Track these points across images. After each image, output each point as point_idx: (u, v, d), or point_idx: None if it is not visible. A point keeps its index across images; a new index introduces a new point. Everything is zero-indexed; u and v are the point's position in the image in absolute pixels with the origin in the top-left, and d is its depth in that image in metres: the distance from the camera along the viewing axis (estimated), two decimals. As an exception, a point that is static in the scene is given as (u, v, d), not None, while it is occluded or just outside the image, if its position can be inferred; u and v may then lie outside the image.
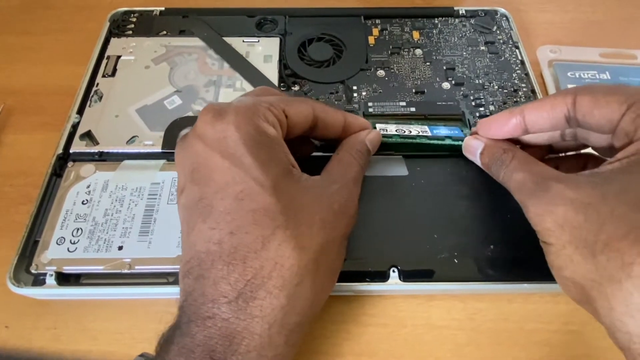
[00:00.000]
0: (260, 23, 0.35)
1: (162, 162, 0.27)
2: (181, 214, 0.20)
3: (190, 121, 0.29)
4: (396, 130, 0.28)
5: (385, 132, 0.27)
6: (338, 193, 0.20)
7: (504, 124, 0.22)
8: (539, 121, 0.22)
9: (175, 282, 0.23)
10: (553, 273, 0.19)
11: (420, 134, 0.27)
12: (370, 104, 0.30)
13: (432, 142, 0.27)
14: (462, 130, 0.28)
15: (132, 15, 0.36)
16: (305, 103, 0.22)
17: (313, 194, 0.19)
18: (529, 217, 0.19)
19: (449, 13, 0.36)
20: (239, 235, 0.17)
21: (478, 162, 0.24)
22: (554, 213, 0.18)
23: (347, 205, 0.20)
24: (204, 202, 0.18)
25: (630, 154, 0.18)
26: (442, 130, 0.28)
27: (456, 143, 0.27)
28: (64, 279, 0.23)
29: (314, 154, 0.28)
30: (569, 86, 0.33)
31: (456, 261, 0.24)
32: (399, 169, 0.27)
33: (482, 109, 0.30)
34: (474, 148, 0.24)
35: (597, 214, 0.17)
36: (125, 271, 0.23)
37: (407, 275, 0.23)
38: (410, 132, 0.27)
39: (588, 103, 0.20)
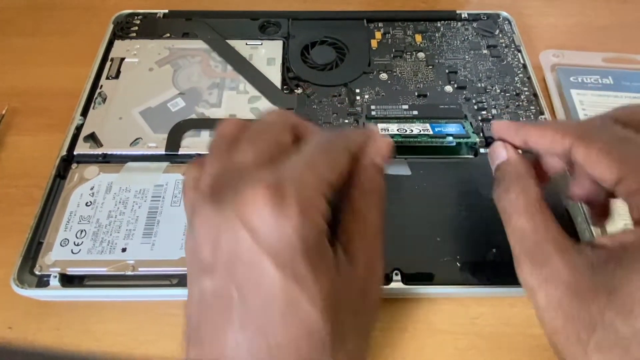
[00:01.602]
0: (264, 26, 0.35)
1: (165, 164, 0.27)
2: (197, 294, 0.16)
3: (193, 124, 0.29)
4: (398, 130, 0.28)
5: (387, 132, 0.28)
6: (371, 286, 0.18)
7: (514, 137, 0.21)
8: (540, 147, 0.21)
9: (178, 284, 0.24)
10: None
11: (422, 132, 0.27)
12: (372, 107, 0.30)
13: (434, 140, 0.27)
14: (464, 127, 0.28)
15: (136, 17, 0.36)
16: (343, 155, 0.18)
17: (352, 294, 0.17)
18: (520, 276, 0.18)
19: (452, 16, 0.36)
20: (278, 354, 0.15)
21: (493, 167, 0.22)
22: (549, 294, 0.17)
23: (378, 299, 0.18)
24: (240, 307, 0.15)
25: (630, 242, 0.17)
26: (444, 128, 0.28)
27: (457, 142, 0.27)
28: (67, 281, 0.24)
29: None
30: (572, 92, 0.33)
31: (458, 264, 0.24)
32: (401, 168, 0.27)
33: (484, 112, 0.30)
34: (495, 155, 0.21)
35: (589, 315, 0.16)
36: (129, 273, 0.23)
37: (409, 278, 0.23)
38: (412, 130, 0.27)
39: (582, 156, 0.19)
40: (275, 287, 0.15)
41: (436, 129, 0.28)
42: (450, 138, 0.27)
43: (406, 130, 0.28)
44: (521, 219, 0.18)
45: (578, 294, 0.16)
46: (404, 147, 0.27)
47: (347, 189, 0.19)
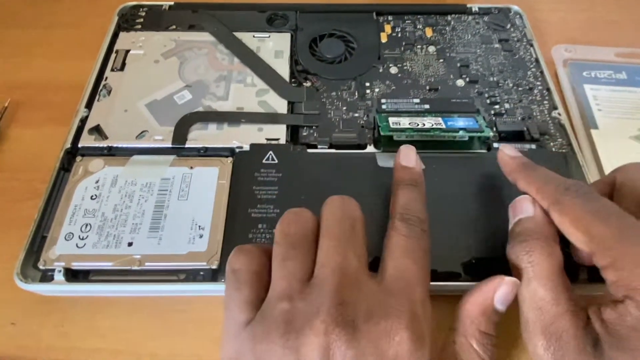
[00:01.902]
0: (271, 18, 0.35)
1: (172, 157, 0.27)
2: None
3: (200, 117, 0.28)
4: (409, 124, 0.27)
5: (397, 126, 0.27)
6: None
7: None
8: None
9: (186, 280, 0.23)
10: None
11: (434, 126, 0.27)
12: (383, 100, 0.30)
13: (446, 134, 0.27)
14: (477, 121, 0.27)
15: (141, 9, 0.35)
16: None
17: None
18: (531, 348, 0.18)
19: (462, 10, 0.36)
20: None
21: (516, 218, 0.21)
22: None
23: None
24: None
25: (624, 323, 0.16)
26: (457, 122, 0.27)
27: (471, 134, 0.27)
28: (72, 275, 0.23)
29: (325, 150, 0.28)
30: (585, 87, 0.33)
31: (473, 260, 0.23)
32: None
33: (497, 106, 0.30)
34: (519, 208, 0.20)
35: None
36: (135, 268, 0.23)
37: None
38: (424, 124, 0.27)
39: (557, 223, 0.19)
40: None
41: (449, 123, 0.27)
42: (463, 132, 0.27)
43: (418, 124, 0.27)
44: (543, 288, 0.17)
45: None
46: (415, 142, 0.27)
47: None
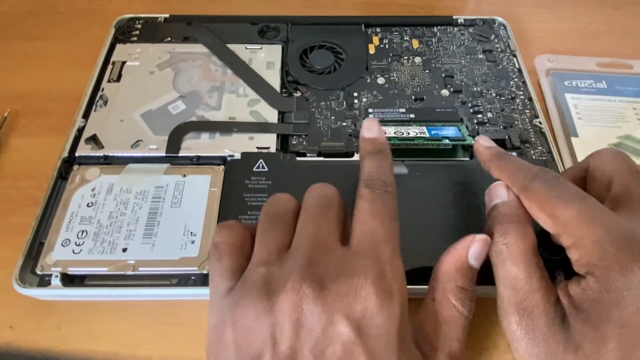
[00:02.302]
0: (263, 30, 0.36)
1: (166, 165, 0.28)
2: None
3: (193, 126, 0.29)
4: (395, 133, 0.28)
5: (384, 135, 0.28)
6: None
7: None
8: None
9: (178, 284, 0.24)
10: None
11: (419, 135, 0.28)
12: (370, 110, 0.31)
13: (430, 142, 0.28)
14: (460, 130, 0.29)
15: (137, 21, 0.36)
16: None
17: None
18: (505, 324, 0.18)
19: (448, 22, 0.37)
20: None
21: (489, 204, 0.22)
22: (529, 347, 0.17)
23: None
24: None
25: (587, 297, 0.17)
26: (440, 131, 0.28)
27: (454, 144, 0.28)
28: (68, 280, 0.24)
29: (313, 158, 0.29)
30: (567, 96, 0.34)
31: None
32: (398, 167, 0.27)
33: (480, 115, 0.31)
34: (494, 194, 0.21)
35: None
36: (129, 273, 0.24)
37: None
38: (409, 133, 0.28)
39: (527, 207, 0.20)
40: None
41: (432, 132, 0.28)
42: (447, 141, 0.28)
43: (403, 133, 0.28)
44: (516, 267, 0.18)
45: (551, 349, 0.17)
46: (400, 150, 0.28)
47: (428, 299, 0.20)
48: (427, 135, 0.28)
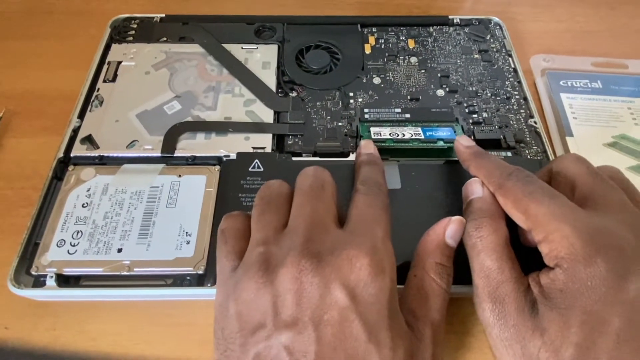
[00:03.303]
0: (259, 30, 0.36)
1: (161, 166, 0.28)
2: (261, 348, 0.17)
3: (189, 126, 0.29)
4: (390, 135, 0.28)
5: (379, 137, 0.28)
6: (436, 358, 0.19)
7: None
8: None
9: (173, 284, 0.24)
10: None
11: (414, 136, 0.28)
12: (366, 110, 0.31)
13: (424, 145, 0.28)
14: (454, 131, 0.29)
15: (133, 21, 0.36)
16: None
17: None
18: (479, 312, 0.20)
19: (444, 22, 0.37)
20: None
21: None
22: (501, 333, 0.19)
23: None
24: None
25: (555, 286, 0.18)
26: (435, 132, 0.28)
27: (448, 145, 0.28)
28: (63, 281, 0.24)
29: (309, 158, 0.29)
30: (562, 95, 0.34)
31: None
32: (392, 181, 0.27)
33: (475, 115, 0.31)
34: (470, 190, 0.23)
35: (529, 355, 0.18)
36: (125, 273, 0.24)
37: (400, 280, 0.24)
38: (404, 135, 0.28)
39: (502, 205, 0.21)
40: (358, 348, 0.16)
41: (427, 134, 0.28)
42: (441, 143, 0.28)
43: (398, 135, 0.28)
44: (489, 259, 0.20)
45: (521, 333, 0.18)
46: (396, 150, 0.28)
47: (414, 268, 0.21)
48: (422, 136, 0.28)
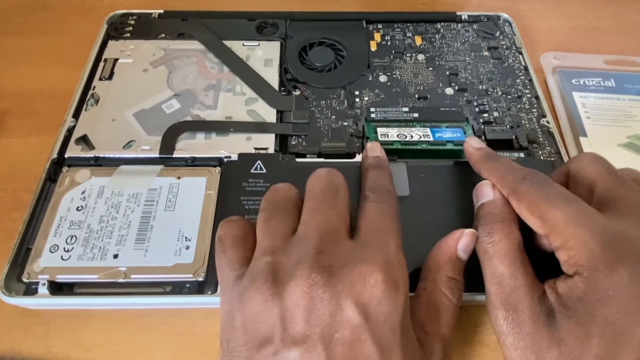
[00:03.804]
0: (261, 27, 0.35)
1: (159, 167, 0.27)
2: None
3: (188, 126, 0.28)
4: (398, 136, 0.27)
5: (386, 139, 0.27)
6: None
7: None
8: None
9: (172, 292, 0.23)
10: None
11: (422, 138, 0.27)
12: (372, 109, 0.30)
13: (433, 147, 0.27)
14: (464, 133, 0.28)
15: (131, 17, 0.35)
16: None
17: None
18: (493, 319, 0.19)
19: (452, 18, 0.36)
20: None
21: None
22: (515, 341, 0.18)
23: None
24: None
25: (573, 295, 0.17)
26: (445, 134, 0.27)
27: (458, 148, 0.27)
28: (57, 288, 0.23)
29: (313, 159, 0.28)
30: (574, 94, 0.33)
31: None
32: (400, 186, 0.26)
33: (486, 115, 0.30)
34: (481, 193, 0.22)
35: None
36: (121, 280, 0.22)
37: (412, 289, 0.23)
38: (412, 137, 0.27)
39: (516, 209, 0.20)
40: None
41: (437, 135, 0.27)
42: (451, 145, 0.27)
43: (406, 137, 0.27)
44: (501, 265, 0.19)
45: (536, 343, 0.17)
46: (404, 150, 0.27)
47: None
48: (431, 138, 0.27)
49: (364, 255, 0.17)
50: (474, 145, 0.24)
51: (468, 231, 0.20)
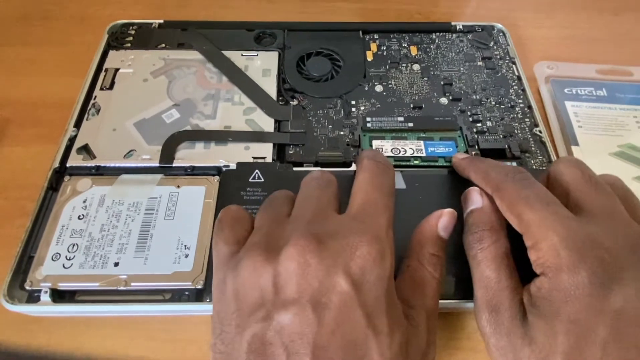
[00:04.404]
0: (259, 37, 0.35)
1: (159, 176, 0.27)
2: (260, 330, 0.16)
3: (188, 135, 0.29)
4: (392, 151, 0.28)
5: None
6: (429, 347, 0.19)
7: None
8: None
9: (171, 300, 0.23)
10: None
11: (415, 153, 0.28)
12: (368, 118, 0.30)
13: (425, 164, 0.28)
14: (456, 146, 0.28)
15: (131, 27, 0.36)
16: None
17: (415, 352, 0.19)
18: (478, 321, 0.20)
19: (447, 28, 0.37)
20: None
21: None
22: (497, 342, 0.19)
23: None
24: (313, 346, 0.16)
25: (540, 295, 0.18)
26: (437, 148, 0.28)
27: (448, 164, 0.28)
28: (58, 296, 0.23)
29: (310, 168, 0.28)
30: (567, 104, 0.33)
31: (453, 278, 0.23)
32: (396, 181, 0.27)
33: (479, 124, 0.30)
34: (470, 199, 0.23)
35: None
36: (121, 288, 0.23)
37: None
38: (405, 151, 0.28)
39: (499, 207, 0.21)
40: (356, 333, 0.16)
41: (429, 149, 0.28)
42: (443, 161, 0.28)
43: (399, 151, 0.28)
44: (488, 269, 0.20)
45: (512, 342, 0.18)
46: (396, 167, 0.28)
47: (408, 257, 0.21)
48: (424, 152, 0.28)
49: (354, 227, 0.18)
50: (460, 157, 0.26)
51: (447, 211, 0.22)
